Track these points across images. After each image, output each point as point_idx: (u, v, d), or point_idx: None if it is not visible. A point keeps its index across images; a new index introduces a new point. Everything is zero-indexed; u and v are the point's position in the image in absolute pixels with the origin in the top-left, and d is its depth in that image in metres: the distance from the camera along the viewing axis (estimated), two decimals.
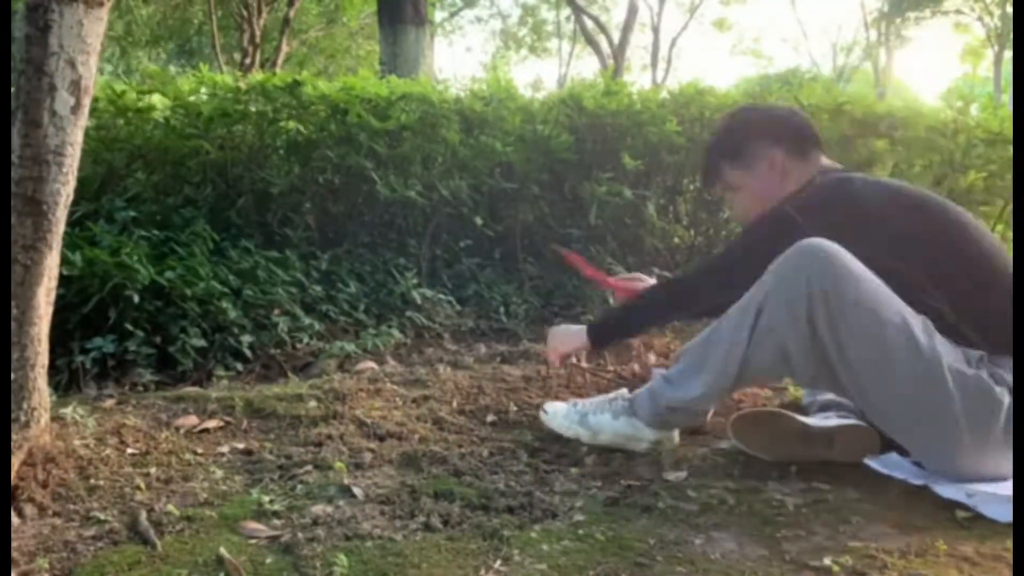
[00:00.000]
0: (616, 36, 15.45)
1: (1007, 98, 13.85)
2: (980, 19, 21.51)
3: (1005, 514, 1.37)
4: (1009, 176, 3.51)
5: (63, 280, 1.85)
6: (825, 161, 1.78)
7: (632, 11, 15.31)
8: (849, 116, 3.51)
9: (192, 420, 1.85)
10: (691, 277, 1.93)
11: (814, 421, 1.68)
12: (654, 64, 21.01)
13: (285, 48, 14.05)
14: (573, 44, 23.95)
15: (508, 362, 2.51)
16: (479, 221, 3.19)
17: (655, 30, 21.17)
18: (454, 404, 2.04)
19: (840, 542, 1.31)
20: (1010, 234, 3.58)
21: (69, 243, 2.27)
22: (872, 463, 1.63)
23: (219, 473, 1.58)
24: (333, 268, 2.95)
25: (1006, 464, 1.46)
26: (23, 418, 1.40)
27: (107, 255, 2.32)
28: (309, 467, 1.60)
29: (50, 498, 1.42)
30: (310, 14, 15.80)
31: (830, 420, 1.68)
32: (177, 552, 1.25)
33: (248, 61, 13.70)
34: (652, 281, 2.07)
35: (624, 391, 1.80)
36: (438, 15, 20.14)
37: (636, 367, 2.38)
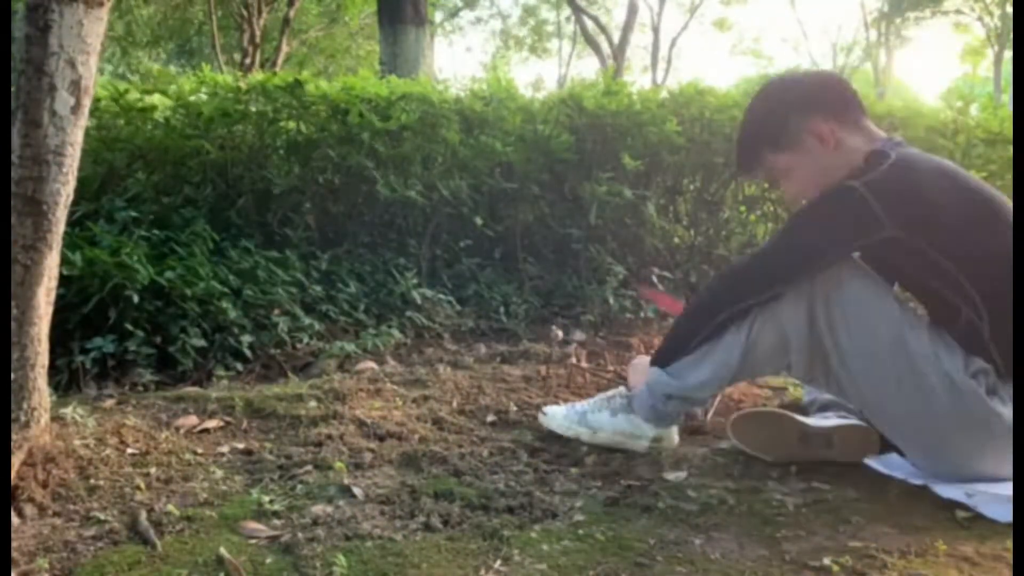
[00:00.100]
0: (616, 36, 15.46)
1: (1007, 98, 13.85)
2: (980, 19, 21.50)
3: (1005, 514, 1.37)
4: (1009, 176, 3.51)
5: (63, 280, 1.85)
6: (886, 134, 1.60)
7: (632, 11, 15.32)
8: None
9: (192, 420, 1.85)
10: (742, 269, 1.69)
11: (814, 421, 1.68)
12: (654, 64, 21.02)
13: (285, 48, 14.06)
14: (573, 44, 23.97)
15: (508, 362, 2.51)
16: (479, 221, 3.19)
17: (655, 30, 21.18)
18: (454, 404, 2.04)
19: (840, 542, 1.31)
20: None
21: (69, 243, 2.27)
22: (872, 463, 1.63)
23: (219, 473, 1.58)
24: (333, 268, 2.95)
25: (1006, 464, 1.46)
26: (23, 418, 1.40)
27: (107, 255, 2.32)
28: (309, 467, 1.60)
29: (50, 498, 1.42)
30: (310, 14, 15.81)
31: (830, 420, 1.69)
32: (177, 552, 1.25)
33: (248, 61, 13.70)
34: None
35: (622, 389, 1.80)
36: (438, 15, 20.14)
37: None
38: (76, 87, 1.38)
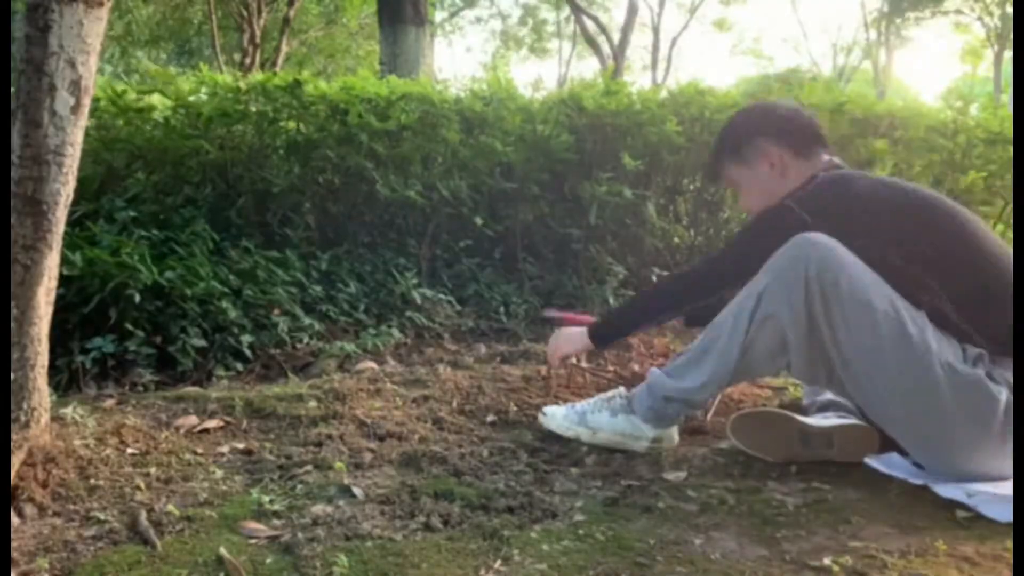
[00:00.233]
0: (616, 36, 15.45)
1: (1007, 98, 13.85)
2: (980, 19, 21.49)
3: (1005, 514, 1.37)
4: (1009, 176, 3.51)
5: (63, 280, 1.85)
6: (829, 158, 1.77)
7: (632, 11, 15.31)
8: (849, 116, 3.51)
9: (192, 420, 1.85)
10: (693, 271, 1.95)
11: (814, 421, 1.68)
12: (654, 64, 21.04)
13: (285, 48, 14.06)
14: (573, 44, 23.96)
15: (508, 362, 2.51)
16: (479, 221, 3.19)
17: (655, 30, 21.21)
18: (454, 404, 2.04)
19: (840, 542, 1.31)
20: (1010, 234, 3.58)
21: (69, 243, 2.27)
22: (872, 463, 1.63)
23: (219, 473, 1.58)
24: (333, 268, 2.96)
25: (1006, 463, 1.46)
26: (23, 418, 1.41)
27: (107, 255, 2.32)
28: (309, 467, 1.60)
29: (50, 498, 1.42)
30: (310, 14, 15.80)
31: (829, 420, 1.69)
32: (177, 552, 1.25)
33: (248, 61, 13.70)
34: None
35: (622, 389, 1.80)
36: (438, 15, 20.14)
37: (636, 367, 2.38)
38: (76, 87, 1.38)
